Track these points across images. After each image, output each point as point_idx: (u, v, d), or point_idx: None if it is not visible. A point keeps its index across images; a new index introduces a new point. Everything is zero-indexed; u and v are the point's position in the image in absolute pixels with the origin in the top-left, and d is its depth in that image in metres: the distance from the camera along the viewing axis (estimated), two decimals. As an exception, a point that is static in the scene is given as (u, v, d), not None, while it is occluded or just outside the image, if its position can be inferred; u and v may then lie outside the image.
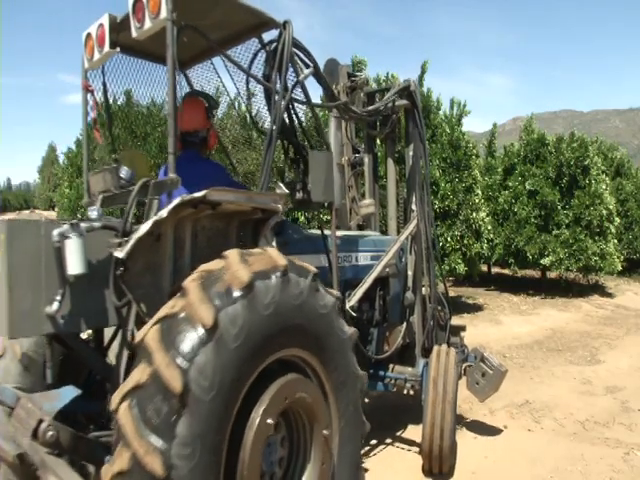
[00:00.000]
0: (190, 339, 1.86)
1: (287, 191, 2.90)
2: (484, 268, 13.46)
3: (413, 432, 4.33)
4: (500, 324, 9.32)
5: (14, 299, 2.08)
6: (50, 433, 2.06)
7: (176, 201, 2.24)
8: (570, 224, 11.72)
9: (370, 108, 3.96)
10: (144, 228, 2.20)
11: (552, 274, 13.37)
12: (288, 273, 2.23)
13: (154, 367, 1.82)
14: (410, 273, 4.35)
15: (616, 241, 12.60)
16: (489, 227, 10.04)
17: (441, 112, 10.09)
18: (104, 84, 3.17)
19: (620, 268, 12.28)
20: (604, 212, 11.71)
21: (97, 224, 2.31)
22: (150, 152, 6.69)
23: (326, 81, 3.39)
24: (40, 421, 2.08)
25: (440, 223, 9.39)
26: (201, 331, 1.87)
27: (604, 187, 12.07)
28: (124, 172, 2.86)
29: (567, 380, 6.19)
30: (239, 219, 2.67)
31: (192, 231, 2.47)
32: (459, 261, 9.25)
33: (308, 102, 3.23)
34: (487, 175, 13.04)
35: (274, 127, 2.86)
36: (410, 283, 4.34)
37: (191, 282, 2.03)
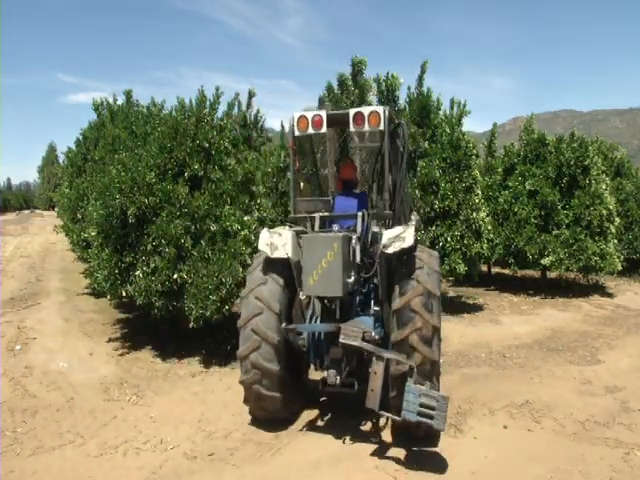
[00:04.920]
0: (432, 303, 4.26)
1: (419, 218, 5.31)
2: (484, 268, 13.45)
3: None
4: (500, 324, 9.31)
5: (343, 275, 4.30)
6: (376, 337, 4.31)
7: (415, 224, 4.67)
8: (570, 224, 11.69)
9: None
10: (410, 240, 4.29)
11: (552, 274, 13.36)
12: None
13: (420, 296, 4.25)
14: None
15: (616, 241, 12.55)
16: (489, 227, 10.02)
17: (441, 112, 10.08)
18: (297, 145, 5.19)
19: (620, 268, 12.22)
20: (604, 212, 11.67)
21: (355, 236, 4.60)
22: (150, 152, 6.68)
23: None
24: (365, 332, 4.19)
25: (440, 223, 9.40)
26: (435, 298, 4.31)
27: (604, 187, 12.03)
28: (331, 202, 5.18)
29: (567, 380, 6.18)
30: None
31: None
32: (459, 261, 9.24)
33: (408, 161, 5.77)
34: (487, 175, 13.01)
35: (401, 180, 5.06)
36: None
37: (419, 273, 4.33)
